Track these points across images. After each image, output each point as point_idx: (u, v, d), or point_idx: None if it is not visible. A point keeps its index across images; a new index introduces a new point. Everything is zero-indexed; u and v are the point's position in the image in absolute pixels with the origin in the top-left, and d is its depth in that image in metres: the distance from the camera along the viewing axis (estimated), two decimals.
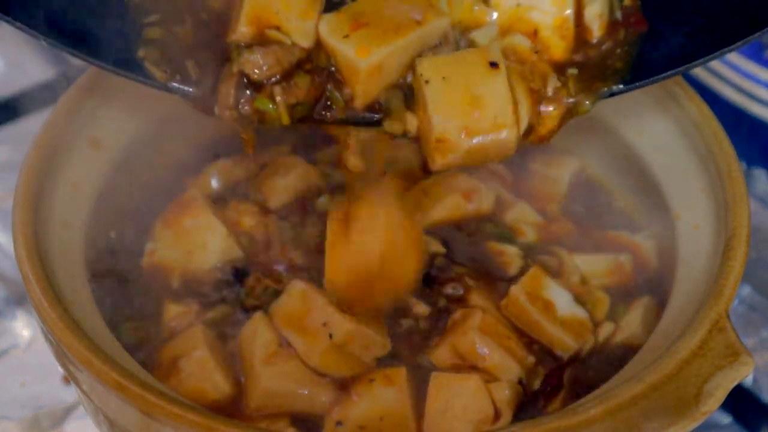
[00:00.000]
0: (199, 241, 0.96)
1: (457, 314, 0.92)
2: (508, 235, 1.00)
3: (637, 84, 0.85)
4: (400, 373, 0.88)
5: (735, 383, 0.78)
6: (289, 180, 1.01)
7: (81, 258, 0.91)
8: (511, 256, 0.98)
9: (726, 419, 1.02)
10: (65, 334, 0.80)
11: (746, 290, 1.11)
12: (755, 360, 0.79)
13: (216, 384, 0.88)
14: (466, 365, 0.89)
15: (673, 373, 0.77)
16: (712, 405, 0.76)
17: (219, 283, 0.96)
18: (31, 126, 1.24)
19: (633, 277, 0.97)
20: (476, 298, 0.93)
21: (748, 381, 1.04)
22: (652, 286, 0.95)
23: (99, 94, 0.98)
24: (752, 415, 1.02)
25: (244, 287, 0.95)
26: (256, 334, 0.90)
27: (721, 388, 0.77)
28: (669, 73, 0.85)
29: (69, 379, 0.86)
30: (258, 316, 0.91)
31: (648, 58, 0.85)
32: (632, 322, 0.92)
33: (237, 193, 1.02)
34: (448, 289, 0.94)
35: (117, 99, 0.99)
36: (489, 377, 0.87)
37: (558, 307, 0.92)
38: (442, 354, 0.90)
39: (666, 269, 0.94)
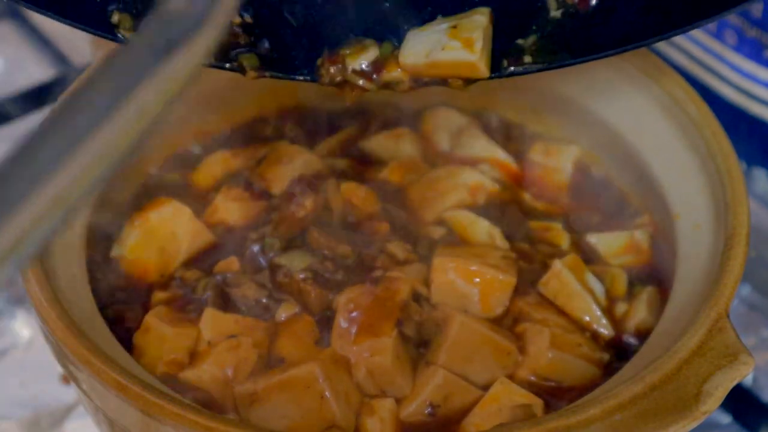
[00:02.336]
0: (168, 233, 0.95)
1: (520, 327, 0.90)
2: (541, 213, 0.99)
3: (584, 59, 0.82)
4: (387, 405, 0.85)
5: (735, 383, 0.78)
6: (294, 166, 1.00)
7: (81, 258, 0.91)
8: (558, 230, 0.96)
9: (726, 419, 1.02)
10: (65, 333, 0.80)
11: (746, 290, 1.11)
12: (755, 359, 0.79)
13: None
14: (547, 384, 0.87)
15: (673, 372, 0.77)
16: (711, 405, 0.76)
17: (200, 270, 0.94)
18: (31, 126, 1.24)
19: (651, 256, 0.96)
20: (530, 309, 0.91)
21: (748, 381, 1.04)
22: (655, 278, 0.95)
23: None
24: (752, 415, 1.02)
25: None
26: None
27: (721, 387, 0.77)
28: (618, 50, 0.81)
29: (69, 378, 0.86)
30: (209, 309, 0.89)
31: (597, 33, 0.81)
32: (640, 307, 0.92)
33: (237, 181, 1.01)
34: None
35: None
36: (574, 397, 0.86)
37: (596, 295, 0.92)
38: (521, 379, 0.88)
39: (665, 269, 0.94)
